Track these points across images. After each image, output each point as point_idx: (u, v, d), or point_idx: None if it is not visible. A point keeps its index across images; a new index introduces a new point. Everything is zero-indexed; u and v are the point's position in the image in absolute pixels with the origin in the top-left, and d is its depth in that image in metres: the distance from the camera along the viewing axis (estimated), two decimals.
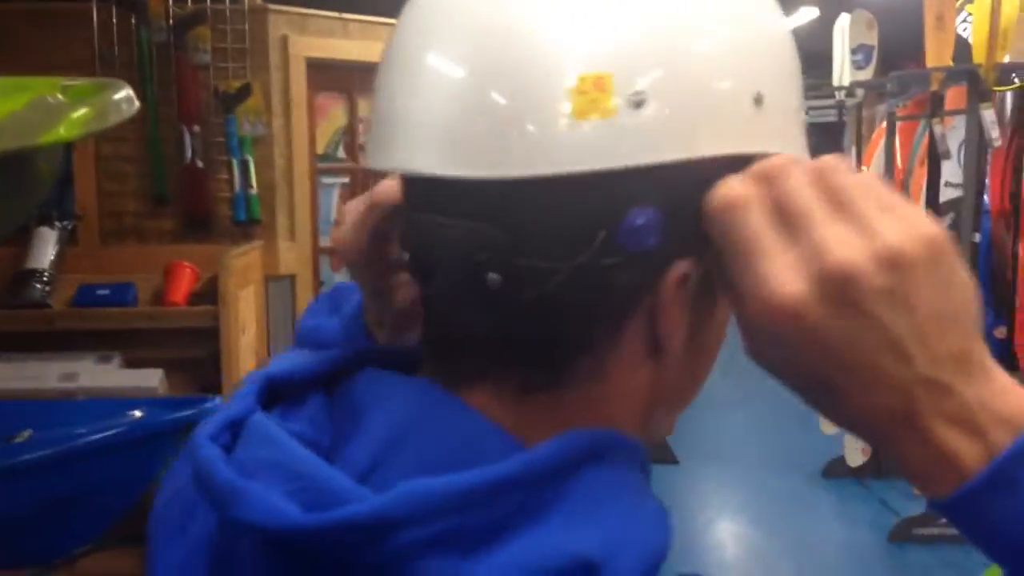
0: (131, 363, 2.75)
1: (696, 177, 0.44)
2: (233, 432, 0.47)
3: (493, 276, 0.43)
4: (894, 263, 0.40)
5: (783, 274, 0.40)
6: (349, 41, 3.32)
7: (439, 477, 0.40)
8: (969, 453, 0.40)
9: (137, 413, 2.09)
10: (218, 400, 2.25)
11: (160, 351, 2.75)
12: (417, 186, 0.47)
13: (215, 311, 2.65)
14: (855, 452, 3.74)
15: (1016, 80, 3.66)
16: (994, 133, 3.21)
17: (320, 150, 3.38)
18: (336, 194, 3.47)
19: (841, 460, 3.82)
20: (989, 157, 3.84)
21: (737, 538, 3.39)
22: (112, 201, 3.02)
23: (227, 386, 2.62)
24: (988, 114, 3.18)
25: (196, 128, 2.98)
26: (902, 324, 0.40)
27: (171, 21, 2.98)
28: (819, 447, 3.88)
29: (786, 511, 3.52)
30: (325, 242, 3.40)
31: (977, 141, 3.30)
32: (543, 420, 0.46)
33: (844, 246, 0.40)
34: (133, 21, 2.96)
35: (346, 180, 3.49)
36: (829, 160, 0.43)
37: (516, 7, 0.43)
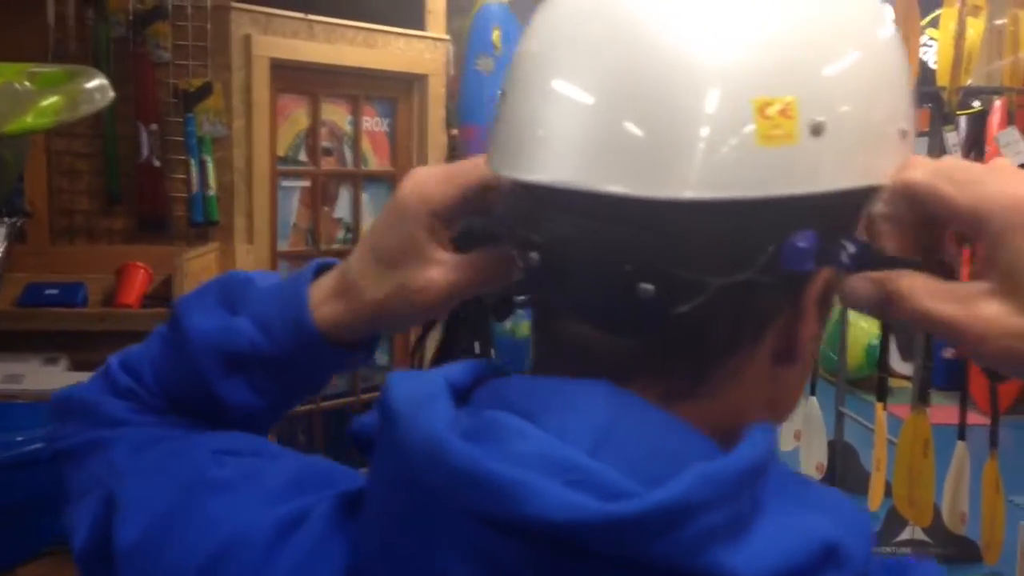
0: (79, 366, 2.67)
1: (853, 203, 0.46)
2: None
3: (645, 287, 0.43)
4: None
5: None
6: (314, 43, 3.27)
7: (714, 462, 0.40)
8: None
9: None
10: None
11: (109, 353, 2.66)
12: (554, 198, 0.46)
13: (168, 314, 2.58)
14: (810, 470, 3.75)
15: (976, 104, 3.70)
16: (957, 155, 3.24)
17: (281, 152, 3.32)
18: (296, 198, 3.41)
19: None
20: None
21: None
22: (63, 198, 2.93)
23: None
24: (951, 136, 3.21)
25: (153, 126, 2.91)
26: None
27: (131, 16, 2.91)
28: None
29: None
30: (284, 246, 3.34)
31: None
32: (695, 420, 0.46)
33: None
34: (91, 14, 2.88)
35: (307, 183, 3.43)
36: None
37: (686, 24, 0.43)
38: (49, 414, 0.65)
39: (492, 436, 0.43)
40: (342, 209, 3.56)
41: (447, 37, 3.76)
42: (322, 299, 0.60)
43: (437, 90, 3.70)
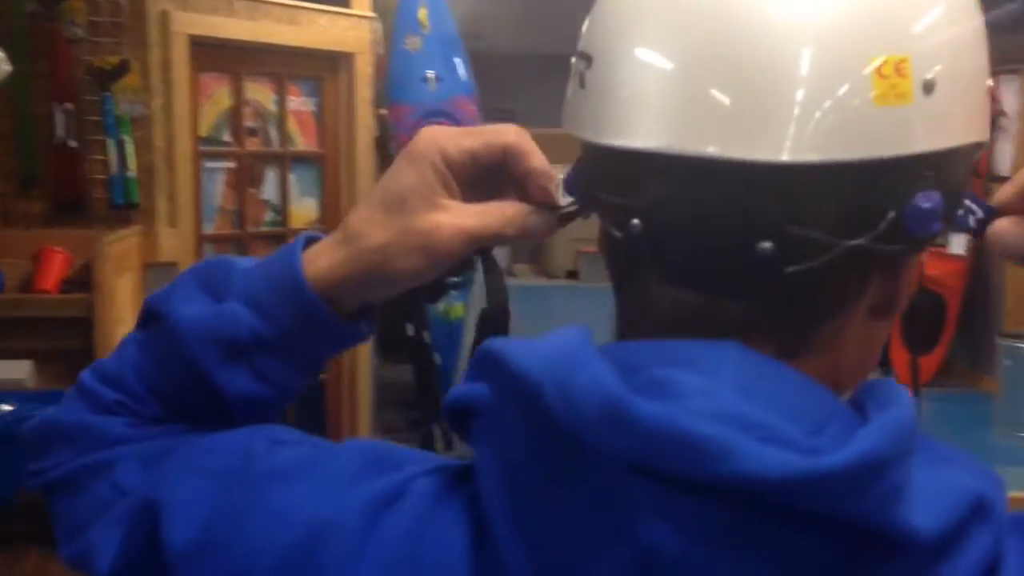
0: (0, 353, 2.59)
1: (964, 161, 0.46)
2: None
3: (764, 245, 0.43)
4: None
5: None
6: (235, 20, 3.19)
7: (886, 416, 0.39)
8: None
9: (6, 407, 1.95)
10: None
11: (29, 341, 2.59)
12: (663, 163, 0.44)
13: (89, 299, 2.51)
14: None
15: None
16: None
17: (204, 133, 3.25)
18: (221, 179, 3.34)
19: None
20: None
21: None
22: None
23: None
24: None
25: (69, 106, 2.81)
26: None
27: None
28: None
29: None
30: (209, 229, 3.27)
31: None
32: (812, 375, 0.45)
33: None
34: None
35: (232, 164, 3.36)
36: None
37: None
38: (25, 447, 0.60)
39: (669, 393, 0.40)
40: (269, 190, 3.50)
41: (372, 15, 3.71)
42: (318, 253, 0.56)
43: (364, 69, 3.65)
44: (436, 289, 3.94)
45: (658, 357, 0.44)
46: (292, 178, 3.52)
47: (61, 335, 2.58)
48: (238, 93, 3.32)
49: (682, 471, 0.38)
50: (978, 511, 0.40)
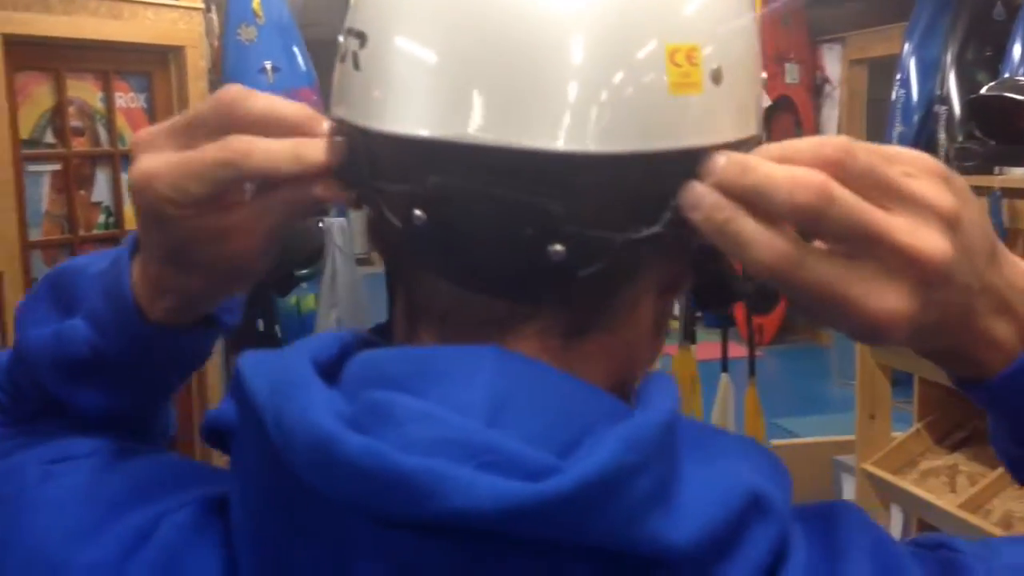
0: None
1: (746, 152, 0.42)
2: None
3: (556, 248, 0.40)
4: (955, 223, 0.40)
5: (874, 297, 0.39)
6: (52, 16, 3.06)
7: (628, 423, 0.37)
8: (1008, 334, 0.44)
9: None
10: None
11: None
12: (448, 152, 0.40)
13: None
14: None
15: None
16: None
17: (25, 135, 3.10)
18: (46, 182, 3.20)
19: None
20: None
21: None
22: None
23: None
24: None
25: None
26: (971, 265, 0.42)
27: None
28: None
29: None
30: (36, 235, 3.14)
31: None
32: (586, 366, 0.43)
33: (925, 241, 0.39)
34: None
35: (57, 166, 3.23)
36: (843, 147, 0.40)
37: None
38: None
39: (386, 421, 0.37)
40: (100, 192, 3.38)
41: (201, 6, 3.61)
42: (143, 294, 0.51)
43: (196, 62, 3.55)
44: (284, 282, 3.90)
45: (408, 367, 0.41)
46: (125, 177, 3.41)
47: None
48: (60, 92, 3.19)
49: (395, 511, 0.36)
50: (755, 507, 0.39)
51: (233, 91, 0.46)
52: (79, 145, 3.28)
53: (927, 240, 0.39)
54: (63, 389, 0.54)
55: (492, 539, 0.36)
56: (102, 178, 3.38)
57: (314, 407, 0.38)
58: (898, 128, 4.37)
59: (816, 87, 5.81)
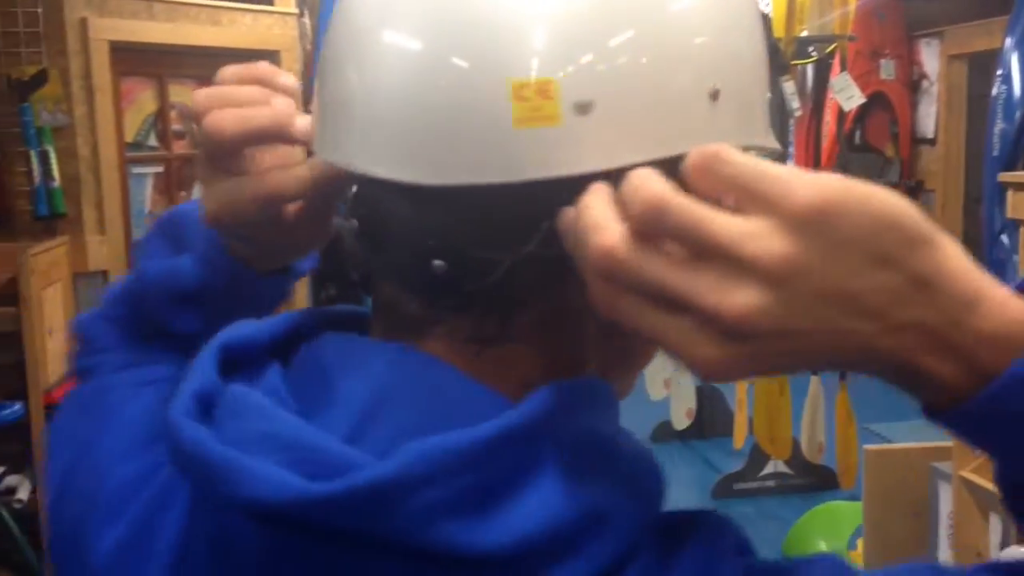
0: None
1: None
2: (204, 406, 0.45)
3: (438, 263, 0.43)
4: (785, 277, 0.36)
5: (694, 353, 0.37)
6: (155, 23, 3.18)
7: (446, 435, 0.39)
8: (954, 374, 0.38)
9: None
10: (16, 406, 2.12)
11: None
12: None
13: (16, 313, 2.50)
14: (680, 416, 3.89)
15: (813, 53, 3.86)
16: (795, 104, 3.39)
17: (130, 138, 3.23)
18: (149, 184, 3.33)
19: (668, 424, 3.97)
20: (793, 128, 4.06)
21: None
22: None
23: (33, 393, 2.49)
24: (788, 86, 3.35)
25: None
26: (831, 312, 0.37)
27: None
28: (647, 412, 4.02)
29: None
30: (140, 235, 3.26)
31: (780, 112, 3.48)
32: (499, 372, 0.45)
33: (732, 299, 0.36)
34: None
35: (160, 169, 3.35)
36: (638, 186, 0.37)
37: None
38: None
39: (232, 415, 0.43)
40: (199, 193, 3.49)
41: (296, 11, 3.70)
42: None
43: (290, 66, 3.64)
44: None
45: (337, 356, 0.46)
46: None
47: None
48: (163, 97, 3.31)
49: (211, 493, 0.41)
50: (596, 523, 0.40)
51: (208, 127, 0.52)
52: (180, 148, 3.40)
53: (731, 299, 0.36)
54: (171, 313, 0.62)
55: (301, 528, 0.39)
56: None
57: (184, 393, 0.44)
58: (999, 125, 4.22)
59: (913, 83, 5.65)
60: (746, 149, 0.41)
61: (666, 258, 0.37)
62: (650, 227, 0.37)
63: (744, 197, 0.37)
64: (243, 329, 0.50)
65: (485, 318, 0.45)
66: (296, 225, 0.55)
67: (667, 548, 0.42)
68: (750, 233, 0.36)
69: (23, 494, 2.55)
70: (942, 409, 0.39)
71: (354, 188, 0.48)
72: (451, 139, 0.41)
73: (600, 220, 0.38)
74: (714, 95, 0.43)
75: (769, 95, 0.49)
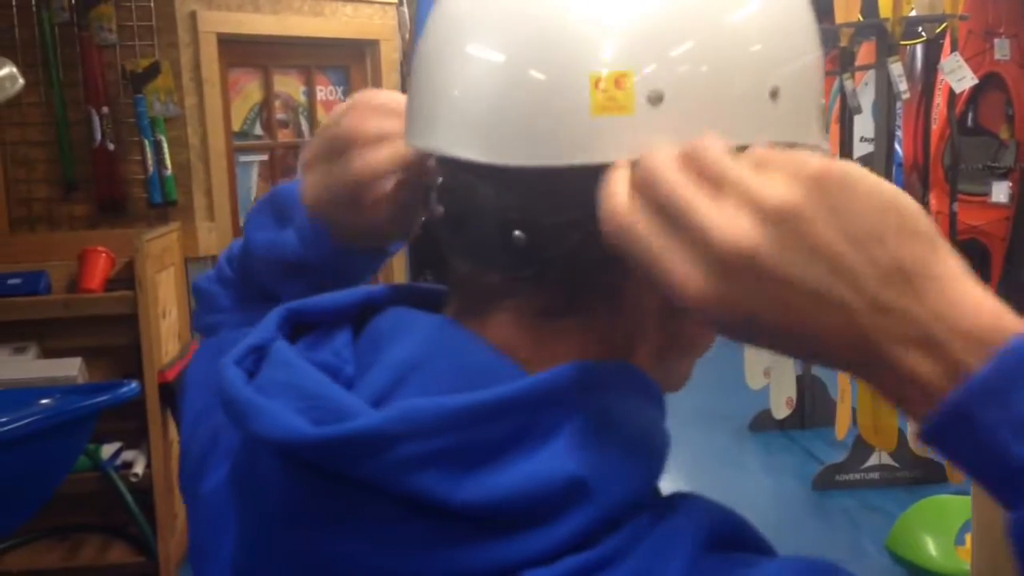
0: (48, 353, 2.70)
1: None
2: (258, 357, 0.51)
3: (518, 234, 0.47)
4: (782, 217, 0.39)
5: (683, 274, 0.41)
6: (261, 15, 3.27)
7: (439, 397, 0.44)
8: (934, 374, 0.39)
9: (44, 401, 2.05)
10: (133, 384, 2.22)
11: (78, 339, 2.71)
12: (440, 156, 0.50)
13: (133, 296, 2.62)
14: (780, 405, 3.82)
15: (922, 33, 3.72)
16: (902, 86, 3.27)
17: (236, 127, 3.34)
18: (255, 171, 3.43)
19: (767, 413, 3.90)
20: (901, 110, 3.92)
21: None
22: (20, 188, 2.95)
23: (148, 371, 2.60)
24: (896, 67, 3.23)
25: (105, 110, 2.91)
26: (819, 269, 0.39)
27: (72, 0, 2.90)
28: (746, 402, 3.95)
29: (715, 465, 3.58)
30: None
31: (887, 95, 3.36)
32: (556, 348, 0.48)
33: (728, 224, 0.40)
34: (33, 2, 2.88)
35: (264, 157, 3.45)
36: (695, 142, 0.43)
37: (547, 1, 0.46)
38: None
39: (268, 365, 0.49)
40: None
41: (394, 0, 3.75)
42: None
43: (390, 55, 3.70)
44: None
45: (390, 324, 0.52)
46: None
47: (107, 332, 2.69)
48: (268, 87, 3.40)
49: (239, 427, 0.48)
50: (575, 496, 0.43)
51: (345, 122, 0.61)
52: (284, 137, 3.49)
53: (727, 224, 0.40)
54: (275, 282, 0.68)
55: (310, 467, 0.44)
56: None
57: (238, 347, 0.51)
58: None
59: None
60: (800, 147, 0.45)
61: (689, 181, 0.42)
62: (687, 158, 0.42)
63: (769, 164, 0.42)
64: (316, 298, 0.55)
65: (555, 289, 0.48)
66: (386, 210, 0.61)
67: (644, 527, 0.45)
68: (764, 177, 0.41)
69: (139, 468, 2.67)
70: (925, 419, 0.39)
71: (439, 180, 0.51)
72: (535, 125, 0.45)
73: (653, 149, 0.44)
74: (774, 93, 0.47)
75: (823, 102, 0.52)
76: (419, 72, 0.51)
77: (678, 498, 0.47)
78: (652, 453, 0.47)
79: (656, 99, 0.44)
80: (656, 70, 0.44)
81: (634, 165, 0.44)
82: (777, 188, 0.40)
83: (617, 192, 0.43)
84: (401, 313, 0.53)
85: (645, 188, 0.42)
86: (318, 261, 0.66)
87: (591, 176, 0.44)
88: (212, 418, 0.59)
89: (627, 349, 0.49)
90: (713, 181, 0.41)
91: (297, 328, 0.54)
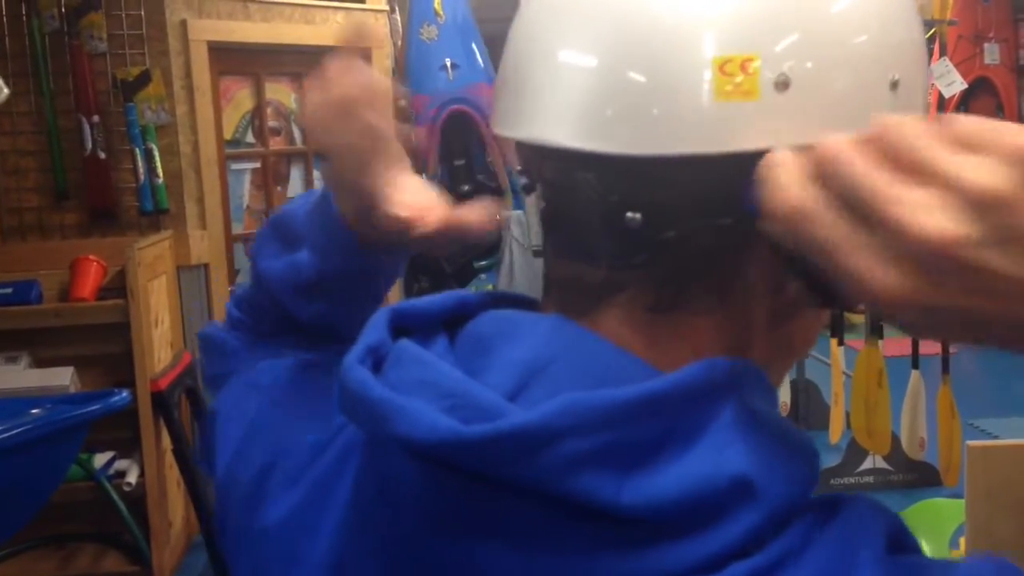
0: (40, 362, 2.70)
1: None
2: (375, 358, 0.48)
3: (631, 215, 0.44)
4: (986, 206, 0.35)
5: (874, 270, 0.37)
6: (251, 23, 3.27)
7: (598, 391, 0.41)
8: None
9: (36, 411, 2.04)
10: (125, 394, 2.21)
11: (70, 348, 2.70)
12: (545, 149, 0.47)
13: (125, 305, 2.61)
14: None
15: None
16: None
17: (228, 135, 3.33)
18: (247, 180, 3.43)
19: None
20: None
21: None
22: (11, 197, 2.94)
23: (140, 380, 2.59)
24: None
25: (96, 118, 2.91)
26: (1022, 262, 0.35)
27: (63, 9, 2.90)
28: None
29: None
30: (239, 229, 3.36)
31: None
32: (672, 344, 0.46)
33: (927, 217, 0.36)
34: (23, 11, 2.88)
35: (257, 165, 3.44)
36: (885, 123, 0.38)
37: None
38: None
39: (395, 364, 0.46)
40: (295, 188, 3.58)
41: (386, 8, 3.76)
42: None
43: (382, 62, 3.70)
44: (464, 271, 4.01)
45: (495, 329, 0.49)
46: (317, 174, 3.59)
47: (100, 340, 2.68)
48: (259, 94, 3.40)
49: (369, 429, 0.45)
50: (741, 496, 0.41)
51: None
52: (276, 144, 3.49)
53: (930, 220, 0.36)
54: (296, 305, 0.67)
55: (454, 469, 0.42)
56: (296, 175, 3.58)
57: (355, 348, 0.47)
58: None
59: (1019, 67, 5.43)
60: None
61: (879, 169, 0.37)
62: (874, 142, 0.38)
63: (973, 143, 0.37)
64: (415, 301, 0.52)
65: (665, 284, 0.46)
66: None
67: (811, 529, 0.42)
68: (970, 162, 0.36)
69: (132, 478, 2.66)
70: None
71: (545, 175, 0.49)
72: (647, 112, 0.43)
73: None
74: (894, 84, 0.46)
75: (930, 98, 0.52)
76: (516, 60, 0.49)
77: (837, 498, 0.45)
78: (806, 452, 0.45)
79: (783, 85, 0.43)
80: (784, 56, 0.43)
81: (805, 153, 0.40)
82: (979, 169, 0.36)
83: (790, 183, 0.40)
84: (503, 315, 0.50)
85: (826, 178, 0.39)
86: (336, 274, 0.64)
87: (708, 164, 0.43)
88: (260, 450, 0.58)
89: (742, 350, 0.47)
90: (908, 168, 0.37)
91: (396, 331, 0.51)
